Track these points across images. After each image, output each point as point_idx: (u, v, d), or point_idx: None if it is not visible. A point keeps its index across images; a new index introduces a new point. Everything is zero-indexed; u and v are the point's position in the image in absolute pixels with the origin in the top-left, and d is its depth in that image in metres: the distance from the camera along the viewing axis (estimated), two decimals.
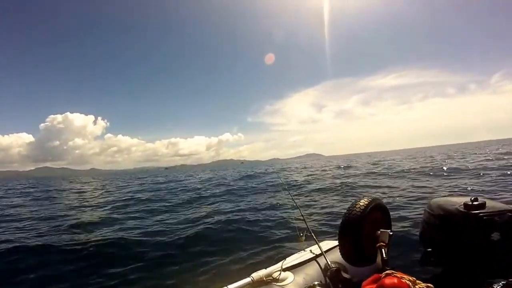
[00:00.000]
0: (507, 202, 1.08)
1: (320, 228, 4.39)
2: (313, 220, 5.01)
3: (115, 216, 7.00)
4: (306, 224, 1.93)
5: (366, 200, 1.45)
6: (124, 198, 10.82)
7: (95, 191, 16.54)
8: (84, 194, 14.99)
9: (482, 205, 1.04)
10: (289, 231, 4.11)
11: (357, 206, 1.42)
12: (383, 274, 0.95)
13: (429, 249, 1.18)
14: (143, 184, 20.16)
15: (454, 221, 1.09)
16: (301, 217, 2.08)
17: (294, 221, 2.58)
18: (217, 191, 11.40)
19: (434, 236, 1.19)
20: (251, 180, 15.68)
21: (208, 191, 11.70)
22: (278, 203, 7.09)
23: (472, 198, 1.08)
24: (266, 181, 14.22)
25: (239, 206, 7.38)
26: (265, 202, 7.51)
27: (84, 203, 10.49)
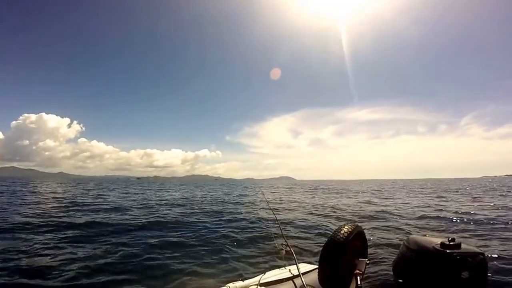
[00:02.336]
0: (479, 246, 1.14)
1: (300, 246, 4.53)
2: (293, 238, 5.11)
3: None
4: (287, 244, 1.88)
5: (350, 227, 1.42)
6: None
7: None
8: None
9: (458, 246, 1.07)
10: (270, 248, 4.11)
11: (341, 232, 1.38)
12: None
13: (401, 281, 1.19)
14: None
15: (429, 257, 1.09)
16: (283, 236, 2.03)
17: (276, 239, 2.52)
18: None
19: (408, 269, 1.19)
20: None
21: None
22: (260, 219, 7.40)
23: (450, 238, 1.10)
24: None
25: (221, 219, 7.63)
26: (248, 218, 7.65)
27: None
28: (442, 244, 1.08)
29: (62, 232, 5.59)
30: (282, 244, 1.99)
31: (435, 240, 1.14)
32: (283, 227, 4.25)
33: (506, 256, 3.82)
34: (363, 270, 1.31)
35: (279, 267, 1.88)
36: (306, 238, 5.41)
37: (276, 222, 2.38)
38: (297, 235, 5.65)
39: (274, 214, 2.59)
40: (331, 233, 1.42)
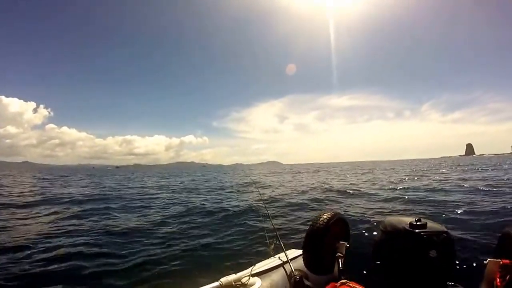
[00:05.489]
0: (444, 224, 1.16)
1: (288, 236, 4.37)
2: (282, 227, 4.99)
3: None
4: (276, 232, 1.92)
5: (329, 213, 1.52)
6: None
7: None
8: None
9: (424, 225, 1.09)
10: (260, 238, 4.02)
11: (320, 219, 1.48)
12: (338, 283, 1.08)
13: (378, 262, 1.20)
14: None
15: (399, 238, 1.12)
16: (272, 225, 2.08)
17: (265, 228, 2.45)
18: None
19: (383, 251, 1.19)
20: None
21: None
22: (251, 206, 7.02)
23: (416, 219, 1.12)
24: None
25: (208, 208, 7.23)
26: (237, 207, 7.25)
27: None
28: (410, 224, 1.10)
29: None
30: (269, 230, 2.07)
31: (406, 220, 1.14)
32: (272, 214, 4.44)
33: (470, 232, 4.08)
34: (343, 253, 1.41)
35: (269, 256, 1.90)
36: None
37: (265, 208, 2.42)
38: None
39: (263, 203, 2.63)
40: (311, 220, 1.52)
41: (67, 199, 9.46)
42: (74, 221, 5.91)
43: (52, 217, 6.48)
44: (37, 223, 5.91)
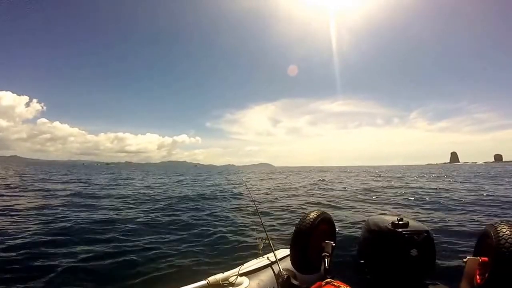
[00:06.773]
0: (424, 222, 1.31)
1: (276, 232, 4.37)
2: (273, 228, 4.89)
3: None
4: (266, 232, 1.88)
5: (315, 213, 1.52)
6: None
7: None
8: None
9: (406, 225, 1.12)
10: (249, 238, 4.02)
11: (307, 218, 1.48)
12: (323, 283, 1.03)
13: (362, 261, 1.22)
14: None
15: (382, 237, 1.16)
16: (261, 225, 2.04)
17: (254, 228, 2.66)
18: None
19: (367, 250, 1.25)
20: None
21: None
22: (239, 207, 7.17)
23: (398, 218, 1.15)
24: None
25: (199, 208, 7.16)
26: (227, 207, 7.32)
27: None
28: (392, 223, 1.14)
29: None
30: (257, 228, 1.87)
31: (389, 219, 1.18)
32: (262, 213, 4.49)
33: (449, 230, 4.32)
34: (330, 252, 1.39)
35: (258, 255, 1.91)
36: None
37: (255, 208, 2.41)
38: None
39: (253, 201, 2.60)
40: (299, 219, 1.51)
41: None
42: None
43: None
44: None
